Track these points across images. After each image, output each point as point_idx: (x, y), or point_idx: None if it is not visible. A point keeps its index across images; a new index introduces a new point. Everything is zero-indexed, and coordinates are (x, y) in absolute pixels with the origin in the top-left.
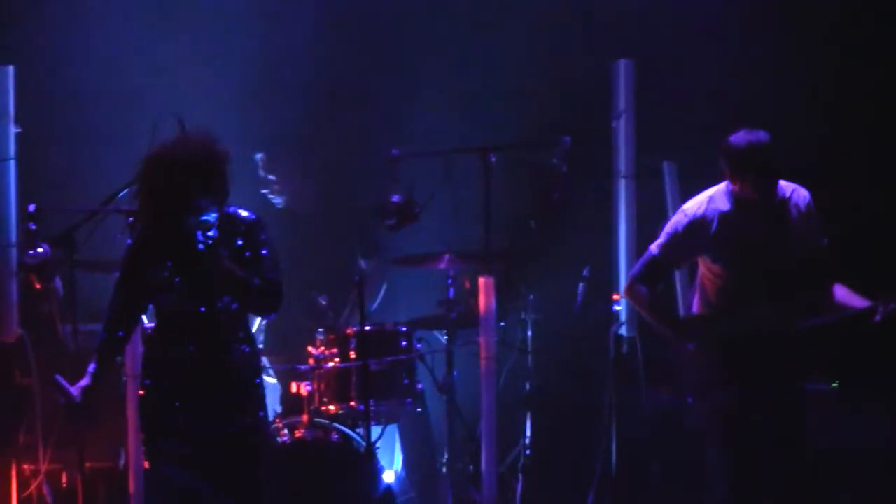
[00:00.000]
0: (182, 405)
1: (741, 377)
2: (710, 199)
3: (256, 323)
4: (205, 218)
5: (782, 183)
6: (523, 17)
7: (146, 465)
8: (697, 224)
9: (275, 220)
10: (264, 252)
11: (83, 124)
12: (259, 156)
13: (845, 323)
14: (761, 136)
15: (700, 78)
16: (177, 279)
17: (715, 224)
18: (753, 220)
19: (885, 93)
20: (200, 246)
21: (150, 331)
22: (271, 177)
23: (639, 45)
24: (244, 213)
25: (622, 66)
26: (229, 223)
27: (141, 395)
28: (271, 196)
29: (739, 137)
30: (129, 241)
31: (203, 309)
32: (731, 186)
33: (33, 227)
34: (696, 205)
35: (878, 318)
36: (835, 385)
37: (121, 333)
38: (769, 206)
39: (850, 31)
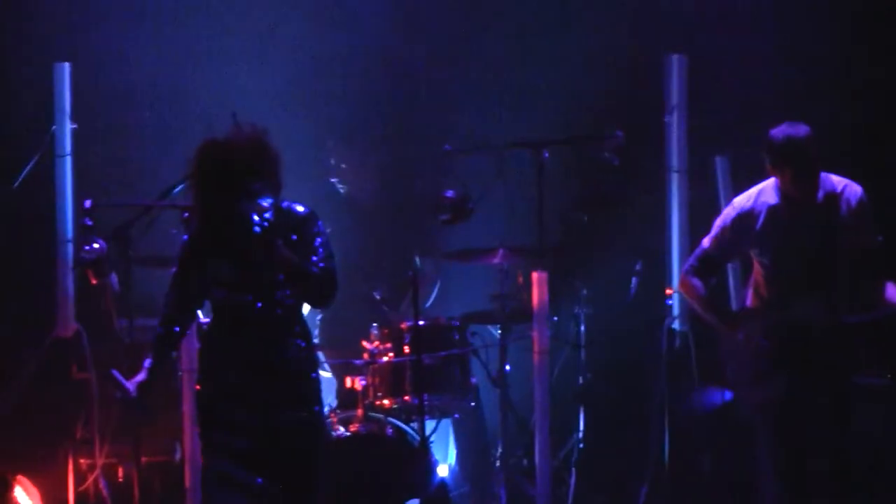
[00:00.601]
0: (238, 399)
1: (789, 368)
2: (759, 192)
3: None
4: (261, 203)
5: (834, 178)
6: (575, 15)
7: (202, 459)
8: (745, 217)
9: (339, 210)
10: (318, 243)
11: (138, 121)
12: (330, 142)
13: (891, 319)
14: (801, 129)
15: (754, 72)
16: (233, 273)
17: (762, 218)
18: (800, 215)
19: None
20: (256, 229)
21: (205, 326)
22: (343, 165)
23: (691, 39)
24: (299, 208)
25: (674, 61)
26: (284, 216)
27: (197, 390)
28: (338, 184)
29: (779, 131)
30: (184, 236)
31: (259, 304)
32: (778, 181)
33: (89, 223)
34: (745, 198)
35: None
36: (889, 377)
37: (177, 329)
38: (814, 200)
39: None
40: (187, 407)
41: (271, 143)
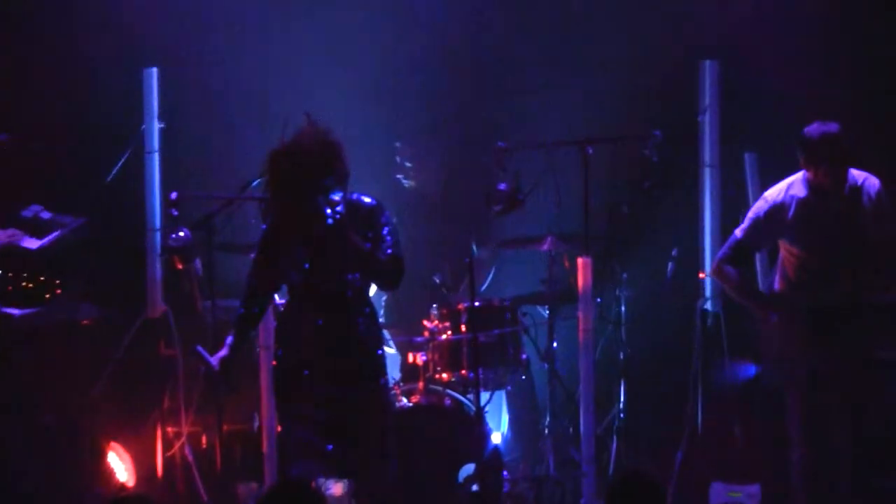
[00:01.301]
0: (312, 373)
1: (817, 346)
2: (788, 186)
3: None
4: (332, 197)
5: (854, 172)
6: (619, 23)
7: (279, 427)
8: (777, 209)
9: (404, 202)
10: (386, 232)
11: (220, 119)
12: (397, 144)
13: None
14: (833, 127)
15: (780, 73)
16: (308, 258)
17: (792, 209)
18: (827, 206)
19: None
20: (329, 220)
21: (281, 306)
22: (407, 164)
23: (723, 45)
24: (367, 199)
25: (707, 66)
26: (354, 208)
27: (275, 365)
28: (403, 180)
29: (813, 129)
30: (263, 226)
31: (331, 287)
32: (807, 175)
33: (175, 214)
34: (776, 192)
35: None
36: None
37: (256, 309)
38: (842, 192)
39: None
40: (265, 380)
41: (337, 140)
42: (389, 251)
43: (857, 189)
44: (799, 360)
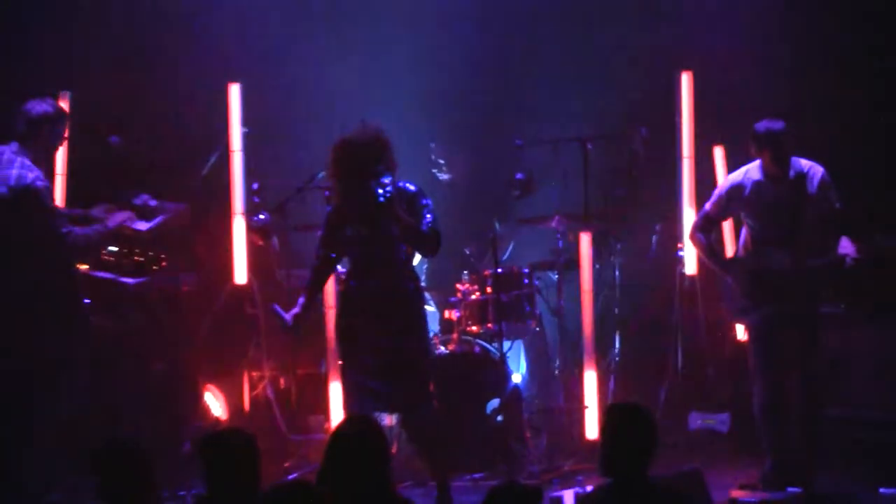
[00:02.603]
0: (368, 327)
1: (768, 301)
2: (747, 170)
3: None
4: (383, 181)
5: (803, 161)
6: (615, 42)
7: (341, 372)
8: (736, 189)
9: (439, 191)
10: (426, 211)
11: (291, 123)
12: (432, 145)
13: (833, 266)
14: (777, 123)
15: (743, 81)
16: (363, 233)
17: (748, 189)
18: (776, 188)
19: None
20: (381, 199)
21: (342, 274)
22: (440, 160)
23: (697, 57)
24: (410, 186)
25: (684, 77)
26: (400, 192)
27: (337, 320)
28: (438, 174)
29: (761, 124)
30: (327, 208)
31: (382, 256)
32: (761, 162)
33: (256, 200)
34: (736, 175)
35: (848, 262)
36: (842, 307)
37: (322, 276)
38: (787, 177)
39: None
40: (330, 333)
41: (386, 137)
42: (429, 225)
43: (803, 175)
44: (755, 313)
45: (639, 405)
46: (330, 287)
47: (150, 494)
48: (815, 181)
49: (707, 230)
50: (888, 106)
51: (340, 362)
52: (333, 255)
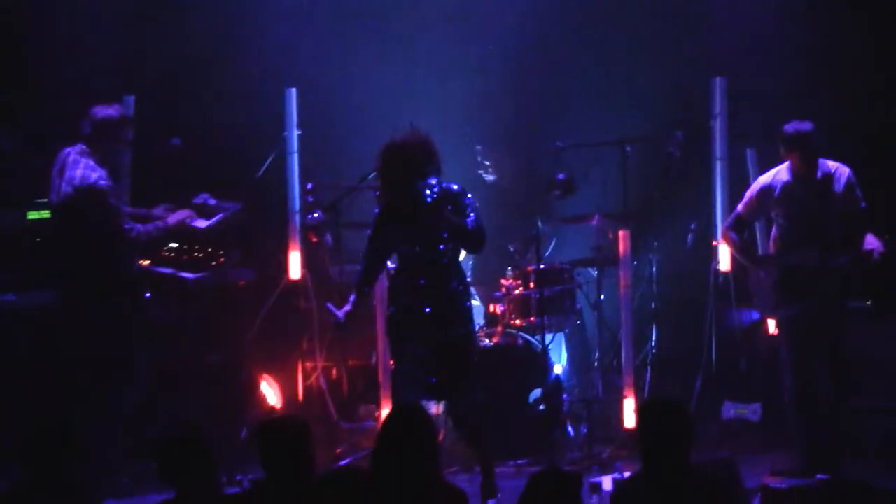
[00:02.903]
0: (417, 321)
1: (798, 297)
2: (776, 172)
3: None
4: (429, 182)
5: (829, 162)
6: (653, 49)
7: (391, 362)
8: (766, 190)
9: (485, 191)
10: (469, 210)
11: (343, 127)
12: (478, 147)
13: (860, 260)
14: (806, 125)
15: (774, 86)
16: (412, 232)
17: (778, 190)
18: (805, 188)
19: None
20: (428, 199)
21: (392, 271)
22: (486, 162)
23: (730, 62)
24: (454, 186)
25: (717, 82)
26: (445, 192)
27: (388, 315)
28: (484, 175)
29: (790, 126)
30: (376, 209)
31: (430, 254)
32: (790, 163)
33: (310, 199)
34: (766, 177)
35: (875, 256)
36: (868, 303)
37: (372, 274)
38: (814, 177)
39: None
40: (379, 327)
41: (433, 141)
42: (474, 223)
43: (830, 175)
44: (787, 308)
45: (676, 399)
46: (380, 283)
47: (210, 479)
48: (842, 181)
49: (739, 230)
50: None
51: (390, 354)
52: (383, 254)
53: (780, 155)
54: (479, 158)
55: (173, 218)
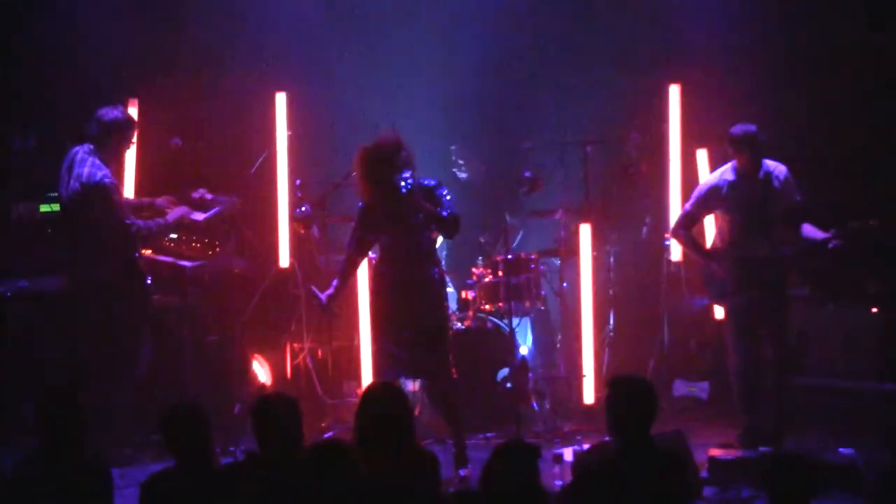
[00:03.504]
0: (396, 306)
1: (748, 284)
2: (721, 172)
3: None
4: (403, 175)
5: (769, 162)
6: (612, 56)
7: (372, 342)
8: (713, 190)
9: (458, 187)
10: (445, 200)
11: (329, 126)
12: (453, 147)
13: (811, 249)
14: (751, 127)
15: (722, 93)
16: (390, 223)
17: (725, 189)
18: (748, 186)
19: None
20: (403, 190)
21: (374, 259)
22: (460, 161)
23: (684, 69)
24: (430, 181)
25: (671, 90)
26: (420, 187)
27: (370, 299)
28: (458, 173)
29: (737, 128)
30: (360, 203)
31: (409, 243)
32: (735, 164)
33: (299, 194)
34: (713, 177)
35: (831, 245)
36: (808, 290)
37: (354, 263)
38: (757, 176)
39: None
40: (362, 311)
41: (402, 138)
42: (448, 211)
43: (769, 174)
44: (736, 294)
45: (642, 378)
46: (362, 271)
47: (208, 449)
48: (781, 178)
49: (688, 227)
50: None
51: (371, 335)
52: (364, 245)
53: (729, 155)
54: (453, 157)
55: (172, 215)
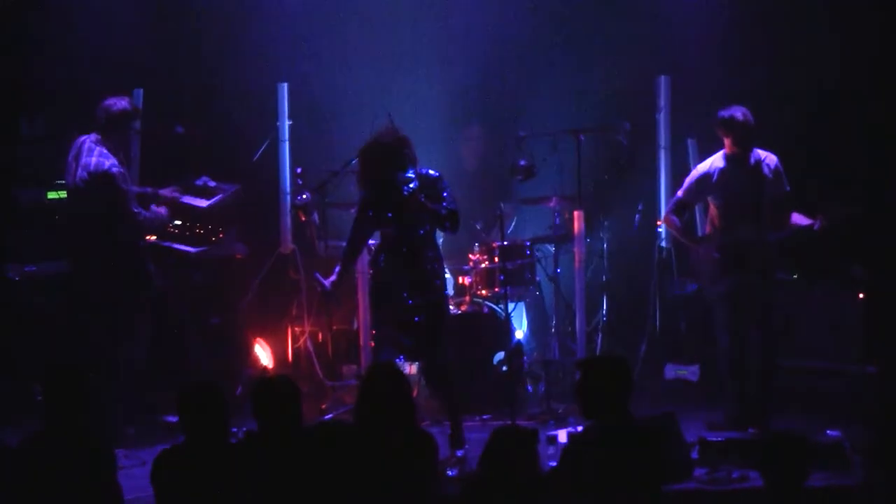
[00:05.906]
0: (395, 291)
1: (736, 269)
2: (712, 160)
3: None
4: (407, 175)
5: (759, 151)
6: (605, 48)
7: (372, 327)
8: (704, 177)
9: (456, 175)
10: (445, 194)
11: (329, 116)
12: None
13: (798, 234)
14: (738, 109)
15: (712, 82)
16: (391, 215)
17: (715, 176)
18: (738, 173)
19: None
20: (405, 191)
21: (373, 246)
22: (459, 147)
23: (674, 61)
24: (431, 172)
25: (662, 80)
26: (422, 178)
27: (370, 285)
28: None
29: (725, 110)
30: (361, 192)
31: (407, 234)
32: (725, 151)
33: (300, 182)
34: (704, 165)
35: (816, 226)
36: (795, 276)
37: (356, 250)
38: (747, 163)
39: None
40: (361, 295)
41: (405, 136)
42: (448, 206)
43: (760, 162)
44: (725, 279)
45: (613, 356)
46: (363, 256)
47: (223, 424)
48: (771, 167)
49: (680, 213)
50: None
51: (371, 319)
52: (365, 235)
53: (718, 137)
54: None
55: (167, 211)
